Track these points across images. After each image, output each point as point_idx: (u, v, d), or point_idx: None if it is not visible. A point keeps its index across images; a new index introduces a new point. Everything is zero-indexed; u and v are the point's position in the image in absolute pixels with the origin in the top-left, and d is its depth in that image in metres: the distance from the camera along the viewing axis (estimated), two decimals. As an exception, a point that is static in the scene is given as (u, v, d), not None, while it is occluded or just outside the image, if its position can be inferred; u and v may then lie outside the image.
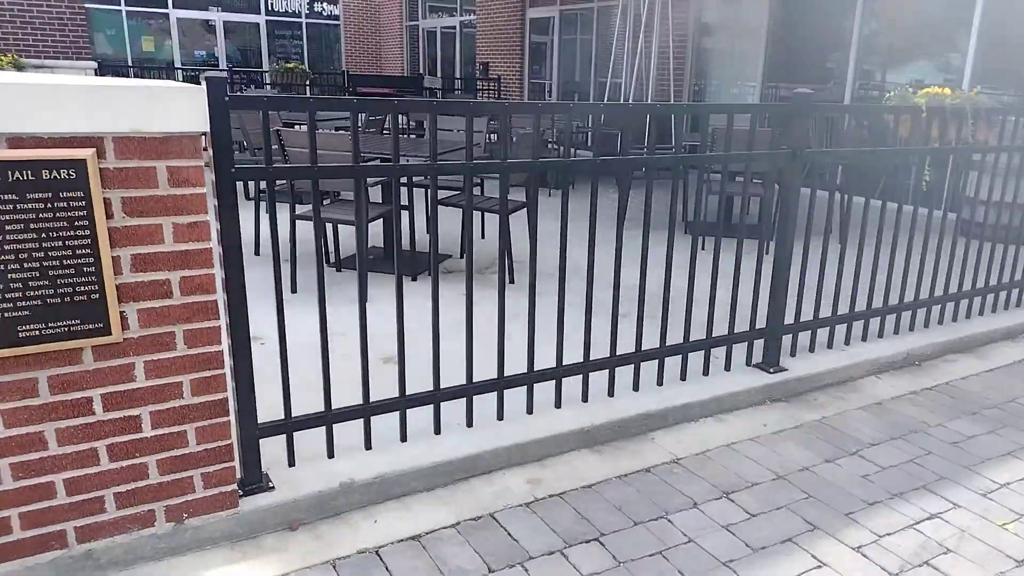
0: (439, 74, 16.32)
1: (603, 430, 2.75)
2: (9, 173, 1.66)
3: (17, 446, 1.84)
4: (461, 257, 5.25)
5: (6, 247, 1.70)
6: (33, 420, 1.84)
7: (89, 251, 1.79)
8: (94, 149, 1.75)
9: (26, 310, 1.76)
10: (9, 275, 1.72)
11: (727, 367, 3.23)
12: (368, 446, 2.49)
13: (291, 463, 2.37)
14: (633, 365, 2.96)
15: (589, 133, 9.20)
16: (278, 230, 2.25)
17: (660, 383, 3.05)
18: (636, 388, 2.99)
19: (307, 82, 13.20)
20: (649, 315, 3.69)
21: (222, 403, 2.08)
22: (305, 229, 5.71)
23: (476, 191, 5.88)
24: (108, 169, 1.78)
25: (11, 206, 1.68)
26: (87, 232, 1.77)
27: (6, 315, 1.74)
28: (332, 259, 4.99)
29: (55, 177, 1.71)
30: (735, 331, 3.21)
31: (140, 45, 15.27)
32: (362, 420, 2.51)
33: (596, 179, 2.64)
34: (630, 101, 9.78)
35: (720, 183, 4.94)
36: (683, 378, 3.11)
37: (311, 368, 3.13)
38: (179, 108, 1.80)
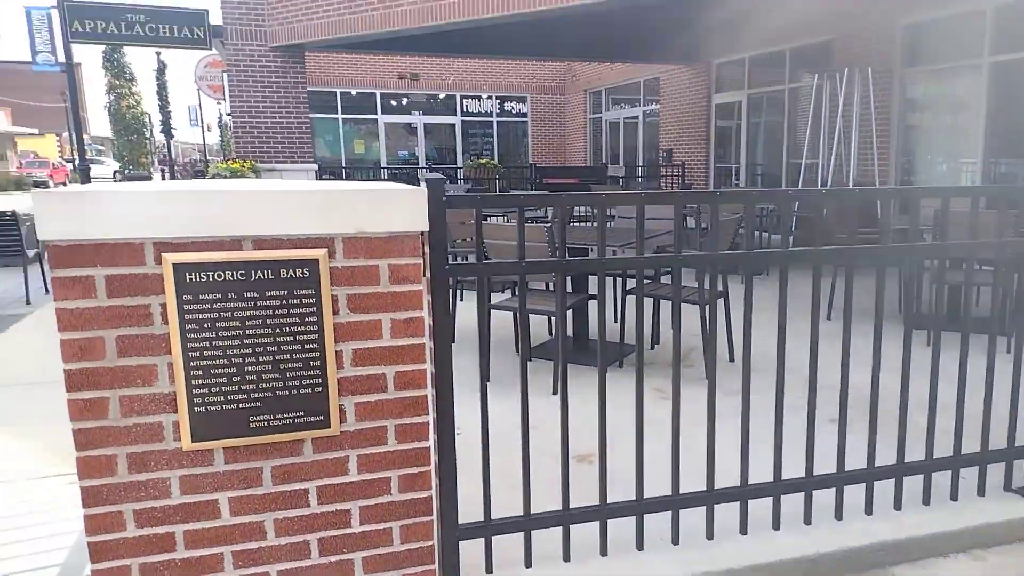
0: (621, 162, 16.55)
1: (829, 560, 2.40)
2: (252, 272, 1.78)
3: (240, 534, 1.90)
4: (652, 348, 5.06)
5: (246, 341, 1.80)
6: (256, 509, 1.90)
7: (316, 345, 1.85)
8: (326, 249, 1.83)
9: (258, 401, 1.84)
10: (246, 368, 1.81)
11: (980, 491, 2.74)
12: (567, 558, 2.34)
13: (488, 570, 2.27)
14: (865, 484, 2.59)
15: (795, 217, 8.75)
16: (488, 323, 2.23)
17: (898, 507, 2.64)
18: (869, 512, 2.60)
19: (497, 175, 13.88)
20: (870, 421, 3.27)
21: (427, 501, 2.04)
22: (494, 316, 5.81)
23: (664, 277, 5.70)
24: (336, 268, 1.86)
25: (252, 303, 1.79)
26: (315, 327, 1.85)
27: (240, 406, 1.83)
28: (519, 348, 5.01)
29: (291, 276, 1.81)
30: (989, 448, 2.73)
31: (352, 147, 16.99)
32: (560, 528, 2.37)
33: (818, 270, 2.40)
34: (828, 183, 9.22)
35: (939, 271, 4.41)
36: (926, 502, 2.67)
37: (502, 460, 3.06)
38: (402, 209, 1.86)
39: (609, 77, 16.62)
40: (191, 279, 1.74)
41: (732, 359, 4.75)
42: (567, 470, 2.32)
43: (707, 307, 2.50)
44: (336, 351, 1.89)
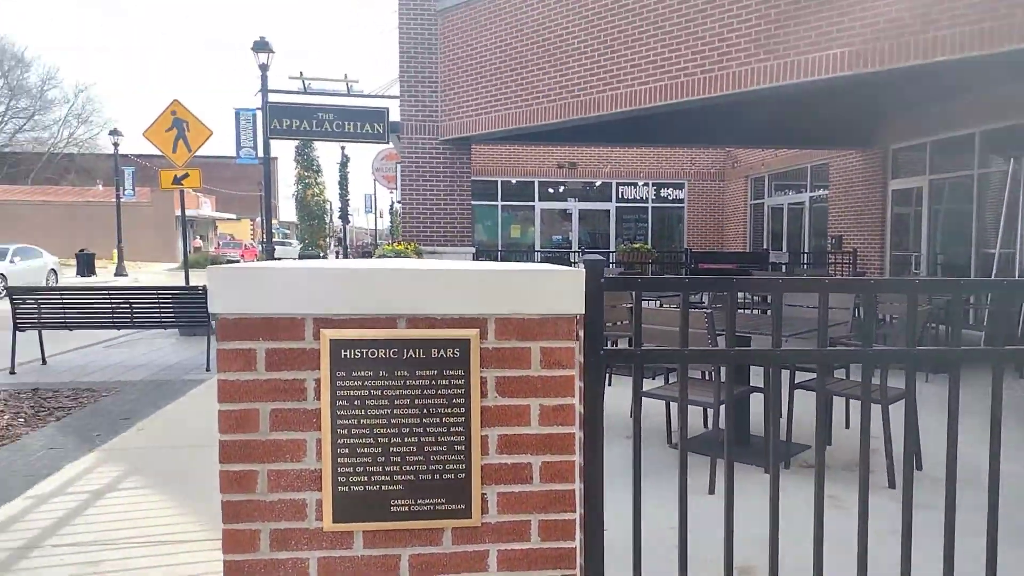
0: (784, 248, 15.81)
1: None
2: (405, 350, 1.75)
3: (375, 624, 1.81)
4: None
5: (392, 420, 1.76)
6: (392, 599, 1.81)
7: (462, 429, 1.78)
8: (477, 330, 1.78)
9: (400, 484, 1.78)
10: (391, 448, 1.77)
11: None
12: None
13: None
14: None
15: (986, 311, 7.84)
16: (640, 413, 2.06)
17: None
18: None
19: (651, 260, 13.69)
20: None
21: (570, 610, 1.86)
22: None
23: (840, 372, 5.21)
24: (487, 349, 1.79)
25: (402, 381, 1.76)
26: (463, 410, 1.77)
27: (383, 488, 1.77)
28: (675, 439, 4.71)
29: (442, 355, 1.76)
30: None
31: (509, 232, 17.54)
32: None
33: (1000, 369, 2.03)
34: (1031, 275, 8.21)
35: None
36: None
37: (652, 565, 2.80)
38: (559, 290, 1.78)
39: (773, 163, 16.14)
40: (346, 355, 1.74)
41: (920, 467, 4.18)
42: (729, 589, 2.05)
43: (888, 407, 2.19)
44: (482, 436, 1.80)
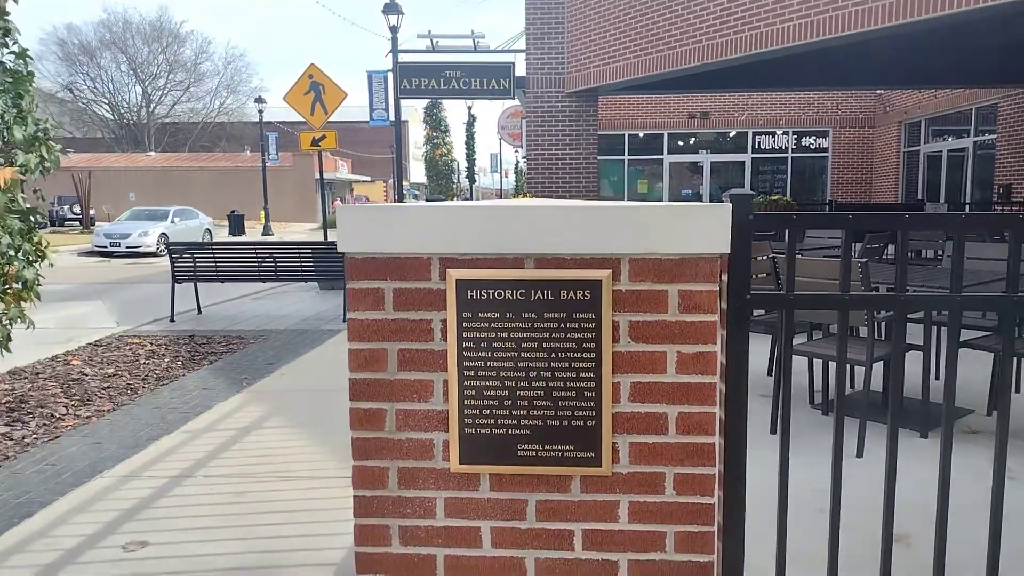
0: (941, 199, 14.45)
1: None
2: (532, 292, 1.67)
3: (500, 569, 1.78)
4: (989, 414, 4.14)
5: (519, 364, 1.70)
6: (518, 544, 1.77)
7: (592, 375, 1.69)
8: (610, 271, 1.66)
9: (527, 429, 1.72)
10: (518, 392, 1.70)
11: None
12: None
13: (778, 663, 1.89)
14: None
15: None
16: (789, 366, 1.89)
17: None
18: None
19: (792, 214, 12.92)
20: None
21: (707, 568, 1.75)
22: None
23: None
24: (620, 291, 1.68)
25: (530, 324, 1.68)
26: (592, 355, 1.68)
27: (509, 432, 1.72)
28: (818, 400, 4.41)
29: (571, 297, 1.67)
30: None
31: (636, 187, 17.08)
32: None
33: None
34: None
35: None
36: None
37: (792, 531, 2.63)
38: (702, 228, 1.63)
39: (931, 105, 14.68)
40: (472, 296, 1.68)
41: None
42: (889, 556, 1.86)
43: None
44: (613, 383, 1.70)
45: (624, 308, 1.68)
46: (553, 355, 1.69)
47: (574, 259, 1.67)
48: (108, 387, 5.31)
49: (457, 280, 1.68)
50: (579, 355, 1.68)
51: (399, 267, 1.70)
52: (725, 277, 1.74)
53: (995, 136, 12.66)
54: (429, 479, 1.76)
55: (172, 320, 8.04)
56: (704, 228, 1.63)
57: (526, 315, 1.68)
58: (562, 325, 1.67)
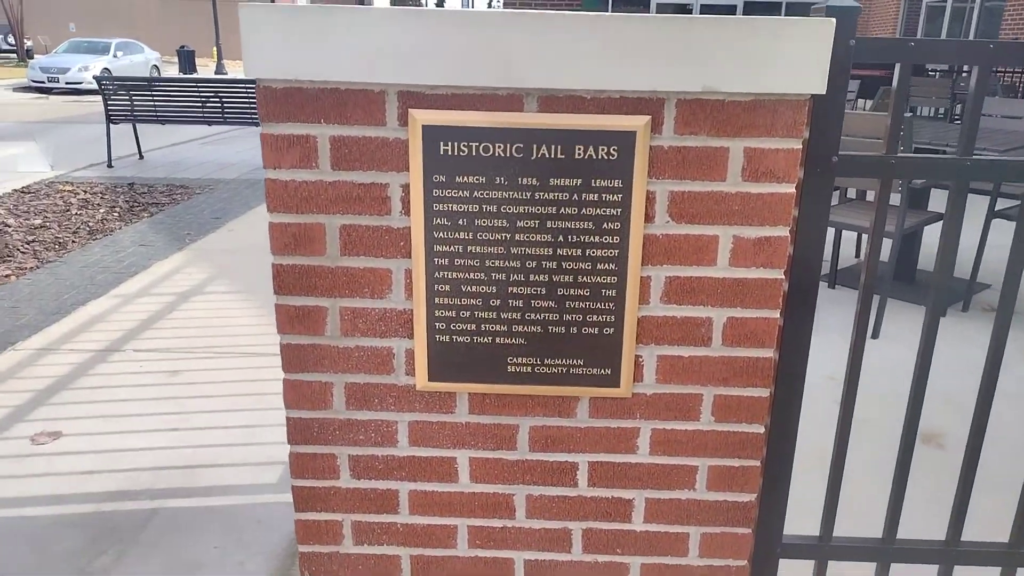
0: (940, 56, 13.63)
1: None
2: (534, 146, 1.15)
3: (481, 507, 1.38)
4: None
5: (514, 249, 1.20)
6: (504, 478, 1.36)
7: (614, 266, 1.21)
8: (648, 118, 1.14)
9: (522, 337, 1.26)
10: (511, 287, 1.23)
11: None
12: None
13: (815, 608, 1.58)
14: None
15: None
16: (878, 251, 1.42)
17: None
18: None
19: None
20: None
21: (746, 508, 1.37)
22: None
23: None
24: (661, 148, 1.16)
25: (529, 193, 1.17)
26: (616, 239, 1.19)
27: (497, 340, 1.26)
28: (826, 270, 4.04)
29: (589, 156, 1.15)
30: None
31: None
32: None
33: None
34: None
35: None
36: None
37: (807, 411, 2.31)
38: (790, 54, 1.09)
39: (940, -53, 13.51)
40: (445, 151, 1.16)
41: None
42: (904, 484, 1.50)
43: None
44: (642, 277, 1.23)
45: (665, 173, 1.17)
46: (561, 238, 1.19)
47: (598, 98, 1.14)
48: (33, 240, 4.73)
49: (424, 126, 1.15)
50: (597, 239, 1.19)
51: (338, 103, 1.16)
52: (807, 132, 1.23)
53: (1008, -16, 11.72)
54: (388, 398, 1.31)
55: (110, 166, 7.29)
56: (794, 54, 1.10)
57: (525, 180, 1.17)
58: (576, 196, 1.17)
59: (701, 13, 15.70)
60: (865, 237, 4.23)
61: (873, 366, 2.92)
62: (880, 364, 2.93)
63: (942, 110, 9.14)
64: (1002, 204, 4.96)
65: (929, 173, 1.27)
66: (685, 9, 16.05)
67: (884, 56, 1.19)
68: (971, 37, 12.97)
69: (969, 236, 4.41)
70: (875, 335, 3.15)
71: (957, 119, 8.90)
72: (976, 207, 4.90)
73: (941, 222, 4.64)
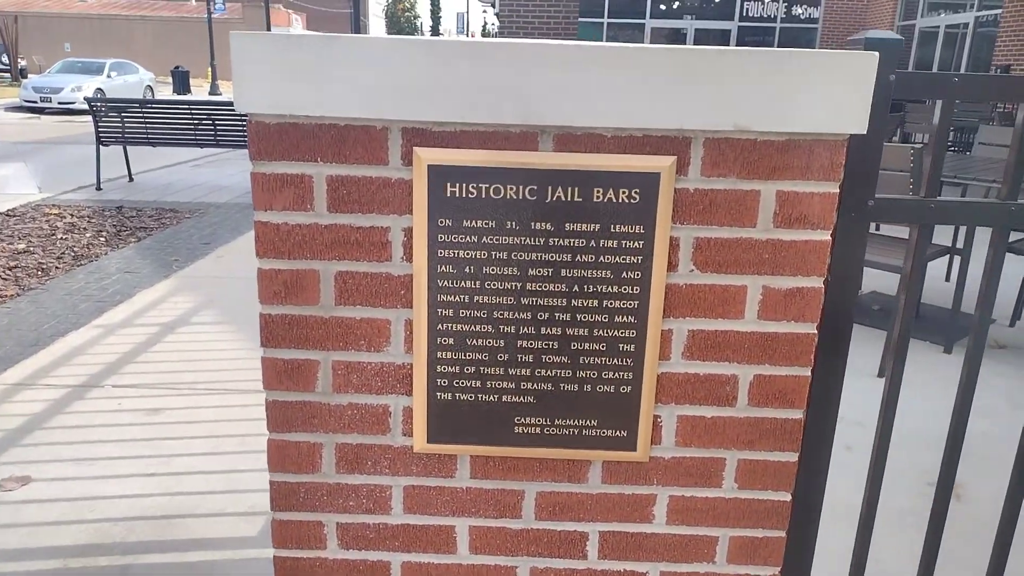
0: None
1: None
2: (548, 188, 1.05)
3: (485, 579, 1.26)
4: (1012, 325, 3.74)
5: (525, 300, 1.10)
6: (507, 550, 1.24)
7: (633, 319, 1.10)
8: (674, 158, 1.04)
9: (531, 395, 1.15)
10: (520, 341, 1.12)
11: None
12: None
13: None
14: None
15: None
16: (913, 307, 1.34)
17: None
18: None
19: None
20: None
21: (771, 583, 1.26)
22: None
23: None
24: (686, 191, 1.06)
25: (542, 239, 1.07)
26: (636, 289, 1.09)
27: (504, 399, 1.15)
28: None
29: (609, 200, 1.05)
30: None
31: (612, 55, 15.92)
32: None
33: None
34: None
35: None
36: None
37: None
38: (829, 90, 1.00)
39: (931, -23, 13.67)
40: (453, 192, 1.05)
41: None
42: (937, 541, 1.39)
43: None
44: (663, 331, 1.12)
45: (690, 218, 1.07)
46: (576, 288, 1.09)
47: (618, 137, 1.04)
48: (15, 266, 4.59)
49: (430, 166, 1.04)
50: (615, 288, 1.09)
51: (337, 140, 1.06)
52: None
53: (1001, 10, 11.84)
54: (382, 461, 1.20)
55: (99, 188, 7.17)
56: (833, 90, 1.00)
57: (537, 225, 1.06)
58: (592, 242, 1.07)
59: (695, 36, 15.84)
60: (870, 270, 4.15)
61: (878, 405, 2.82)
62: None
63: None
64: (1015, 236, 4.91)
65: (972, 219, 1.18)
66: (680, 33, 16.18)
67: (927, 92, 1.10)
68: (964, 62, 13.09)
69: (976, 268, 4.34)
70: (881, 374, 3.05)
71: (952, 147, 8.91)
72: (984, 238, 4.85)
73: (947, 256, 4.59)
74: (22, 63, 27.22)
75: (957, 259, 4.46)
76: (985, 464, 2.38)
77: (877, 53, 0.99)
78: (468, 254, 1.08)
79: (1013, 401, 2.83)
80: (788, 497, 1.21)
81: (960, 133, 8.85)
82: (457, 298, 1.10)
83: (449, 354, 1.12)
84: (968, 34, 13.04)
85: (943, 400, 2.82)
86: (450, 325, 1.11)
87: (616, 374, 1.13)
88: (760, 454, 1.19)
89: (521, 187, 1.05)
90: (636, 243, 1.07)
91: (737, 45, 15.84)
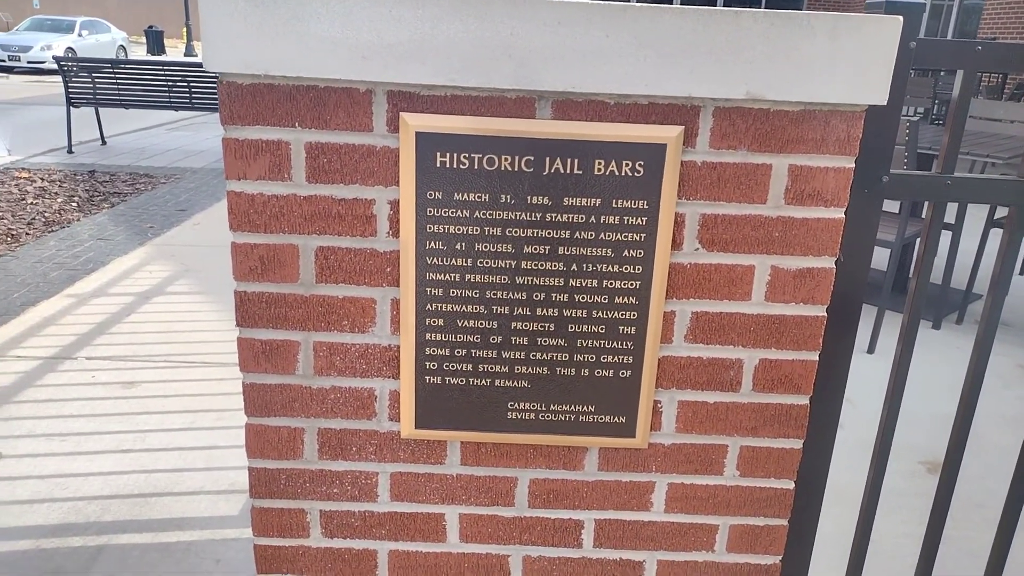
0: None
1: None
2: (545, 159, 0.97)
3: (471, 569, 1.21)
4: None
5: (520, 279, 1.03)
6: (499, 538, 1.19)
7: (634, 300, 1.04)
8: (680, 128, 0.97)
9: (525, 379, 1.08)
10: (514, 322, 1.05)
11: None
12: None
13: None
14: None
15: None
16: (925, 282, 1.29)
17: None
18: None
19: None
20: None
21: (770, 572, 1.22)
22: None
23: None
24: (693, 164, 1.00)
25: (539, 214, 1.00)
26: (638, 269, 1.02)
27: (497, 383, 1.08)
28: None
29: (611, 172, 0.98)
30: None
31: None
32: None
33: None
34: None
35: None
36: None
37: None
38: (848, 57, 0.93)
39: (920, -53, 13.53)
40: (443, 163, 0.98)
41: None
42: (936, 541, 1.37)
43: None
44: (666, 312, 1.06)
45: (697, 193, 1.01)
46: (574, 267, 1.02)
47: (621, 105, 0.97)
48: (-17, 232, 4.44)
49: (418, 133, 0.96)
50: (616, 268, 1.02)
51: (317, 104, 0.97)
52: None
53: (988, -15, 11.77)
54: (368, 447, 1.13)
55: (70, 151, 6.95)
56: (854, 57, 0.93)
57: (533, 199, 0.99)
58: (592, 218, 1.00)
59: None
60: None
61: (868, 382, 2.80)
62: (876, 380, 2.81)
63: (921, 110, 9.12)
64: (1001, 212, 4.91)
65: (990, 196, 1.12)
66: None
67: (948, 61, 1.03)
68: (949, 35, 13.04)
69: (968, 242, 4.33)
70: (870, 350, 3.03)
71: (936, 120, 8.89)
72: (976, 216, 4.84)
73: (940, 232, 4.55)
74: (-11, 20, 26.32)
75: (939, 236, 4.44)
76: (971, 442, 2.37)
77: (900, 17, 0.91)
78: (459, 229, 1.00)
79: (1004, 379, 2.83)
80: (791, 485, 1.17)
81: (945, 106, 8.82)
82: (447, 276, 1.02)
83: (438, 336, 1.06)
84: (954, 5, 12.97)
85: (933, 377, 2.81)
86: (439, 305, 1.04)
87: (615, 357, 1.07)
88: (764, 441, 1.14)
89: (516, 157, 0.97)
90: (639, 219, 1.00)
91: (724, 6, 15.66)
